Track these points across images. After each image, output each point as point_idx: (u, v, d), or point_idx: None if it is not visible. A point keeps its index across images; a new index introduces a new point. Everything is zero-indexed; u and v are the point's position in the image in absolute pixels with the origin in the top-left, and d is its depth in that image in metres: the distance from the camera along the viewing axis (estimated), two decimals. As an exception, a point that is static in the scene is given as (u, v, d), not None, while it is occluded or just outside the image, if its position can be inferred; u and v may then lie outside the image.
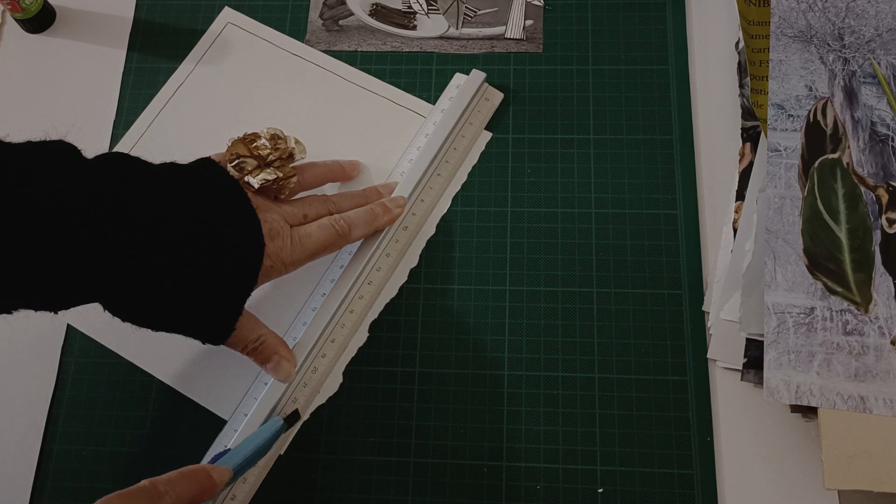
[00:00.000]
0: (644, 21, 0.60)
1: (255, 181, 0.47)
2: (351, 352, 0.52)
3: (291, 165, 0.50)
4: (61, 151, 0.40)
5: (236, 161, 0.47)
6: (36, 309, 0.41)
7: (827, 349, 0.45)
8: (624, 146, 0.56)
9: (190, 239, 0.41)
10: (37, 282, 0.39)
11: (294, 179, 0.49)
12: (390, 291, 0.54)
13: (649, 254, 0.54)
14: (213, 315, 0.44)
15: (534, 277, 0.53)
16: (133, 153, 0.57)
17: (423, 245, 0.55)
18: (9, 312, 0.40)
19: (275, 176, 0.48)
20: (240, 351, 0.47)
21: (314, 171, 0.52)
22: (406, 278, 0.54)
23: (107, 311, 0.43)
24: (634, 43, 0.59)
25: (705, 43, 0.59)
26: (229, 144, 0.48)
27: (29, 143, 0.40)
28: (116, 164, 0.42)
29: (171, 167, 0.44)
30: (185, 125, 0.59)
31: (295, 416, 0.49)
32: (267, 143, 0.49)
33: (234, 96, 0.60)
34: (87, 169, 0.40)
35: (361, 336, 0.53)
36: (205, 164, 0.46)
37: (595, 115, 0.58)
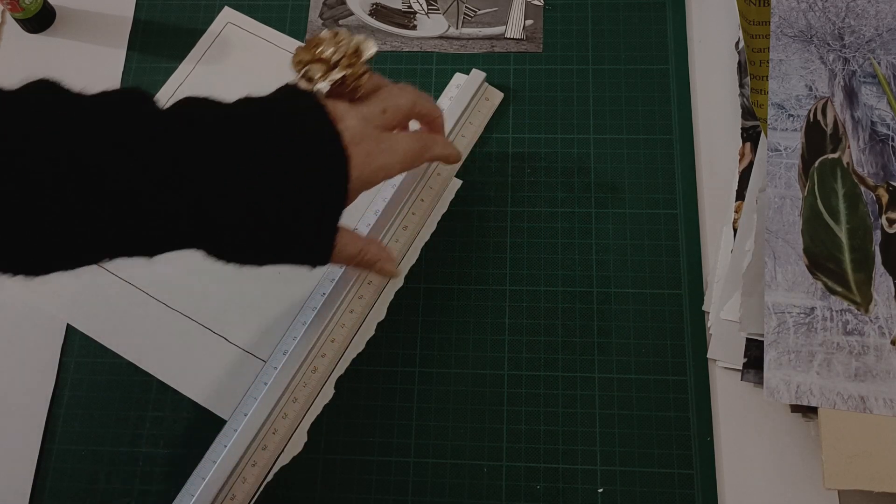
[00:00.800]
0: (644, 21, 0.60)
1: (323, 85, 0.45)
2: (345, 363, 0.52)
3: (362, 61, 0.46)
4: (140, 100, 0.40)
5: (303, 70, 0.45)
6: (131, 256, 0.40)
7: (827, 349, 0.45)
8: (624, 146, 0.56)
9: (275, 171, 0.41)
10: (132, 230, 0.38)
11: (366, 77, 0.46)
12: (388, 294, 0.54)
13: (649, 254, 0.53)
14: (313, 239, 0.43)
15: (534, 277, 0.53)
16: None
17: (421, 246, 0.55)
18: (104, 260, 0.40)
19: (342, 74, 0.45)
20: (345, 265, 0.47)
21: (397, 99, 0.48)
22: (402, 282, 0.54)
23: (210, 256, 0.42)
24: (634, 43, 0.59)
25: (705, 43, 0.59)
26: (293, 55, 0.46)
27: (105, 94, 0.39)
28: (193, 107, 0.41)
29: (247, 101, 0.43)
30: None
31: None
32: (329, 45, 0.46)
33: (234, 95, 0.59)
34: (166, 115, 0.40)
35: (357, 347, 0.53)
36: (282, 89, 0.45)
37: (595, 115, 0.58)
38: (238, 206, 0.40)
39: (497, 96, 0.58)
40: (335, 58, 0.45)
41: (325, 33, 0.46)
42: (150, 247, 0.40)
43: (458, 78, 0.58)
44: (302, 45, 0.47)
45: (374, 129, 0.45)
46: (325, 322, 0.51)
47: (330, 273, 0.53)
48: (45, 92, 0.38)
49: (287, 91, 0.44)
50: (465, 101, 0.56)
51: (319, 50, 0.46)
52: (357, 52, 0.46)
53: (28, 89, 0.38)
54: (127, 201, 0.37)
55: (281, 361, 0.50)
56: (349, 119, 0.44)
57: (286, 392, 0.49)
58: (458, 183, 0.56)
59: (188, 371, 0.52)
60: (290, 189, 0.41)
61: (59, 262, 0.39)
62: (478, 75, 0.57)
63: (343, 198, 0.43)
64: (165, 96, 0.60)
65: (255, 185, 0.40)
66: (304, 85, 0.45)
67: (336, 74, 0.45)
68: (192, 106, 0.41)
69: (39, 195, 0.35)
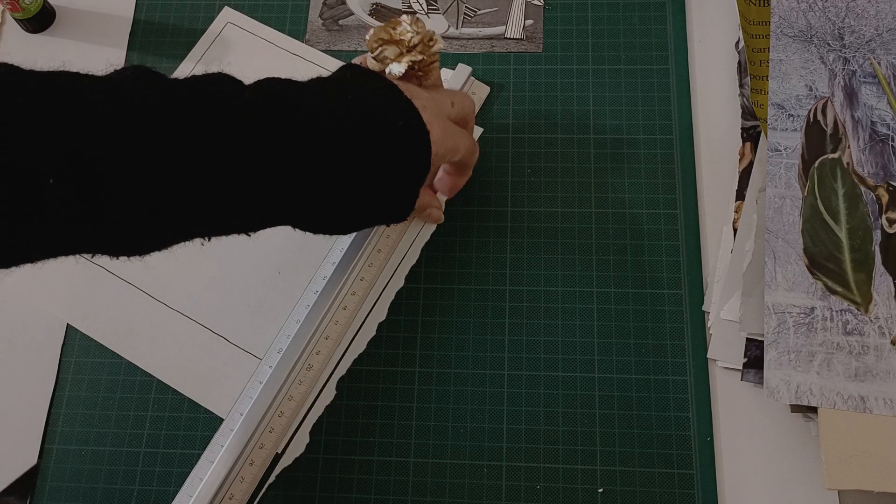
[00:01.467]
0: (644, 21, 0.60)
1: (399, 67, 0.46)
2: (344, 359, 0.52)
3: (434, 49, 0.48)
4: (227, 83, 0.41)
5: (378, 50, 0.46)
6: (228, 234, 0.42)
7: (827, 349, 0.45)
8: (624, 146, 0.56)
9: (367, 151, 0.42)
10: (229, 212, 0.40)
11: (436, 65, 0.48)
12: (389, 294, 0.54)
13: (649, 254, 0.53)
14: (401, 207, 0.46)
15: (534, 277, 0.53)
16: None
17: (421, 246, 0.55)
18: (207, 238, 0.41)
19: (420, 58, 0.46)
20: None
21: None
22: (403, 282, 0.54)
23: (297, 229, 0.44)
24: (634, 43, 0.59)
25: (705, 43, 0.59)
26: (370, 34, 0.47)
27: (195, 78, 0.41)
28: (274, 87, 0.42)
29: (318, 79, 0.44)
30: None
31: None
32: (409, 28, 0.47)
33: None
34: (252, 98, 0.40)
35: (358, 344, 0.53)
36: (351, 69, 0.46)
37: (595, 115, 0.58)
38: (337, 189, 0.42)
39: (483, 90, 0.58)
40: (413, 41, 0.46)
41: (405, 18, 0.47)
42: (252, 227, 0.42)
43: (445, 73, 0.58)
44: (381, 24, 0.48)
45: (444, 114, 0.47)
46: (319, 319, 0.51)
47: (322, 270, 0.53)
48: (143, 81, 0.40)
49: (357, 71, 0.45)
50: None
51: (400, 30, 0.47)
52: (432, 39, 0.47)
53: (126, 79, 0.40)
54: (234, 190, 0.39)
55: (276, 360, 0.50)
56: (423, 99, 0.45)
57: (281, 390, 0.49)
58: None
59: (187, 370, 0.52)
60: (381, 167, 0.43)
61: (170, 238, 0.40)
62: (463, 70, 0.57)
63: (427, 169, 0.45)
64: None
65: (352, 167, 0.42)
66: (373, 65, 0.46)
67: (415, 57, 0.46)
68: (278, 87, 0.42)
69: (160, 184, 0.37)
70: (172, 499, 0.48)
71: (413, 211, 0.47)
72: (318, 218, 0.44)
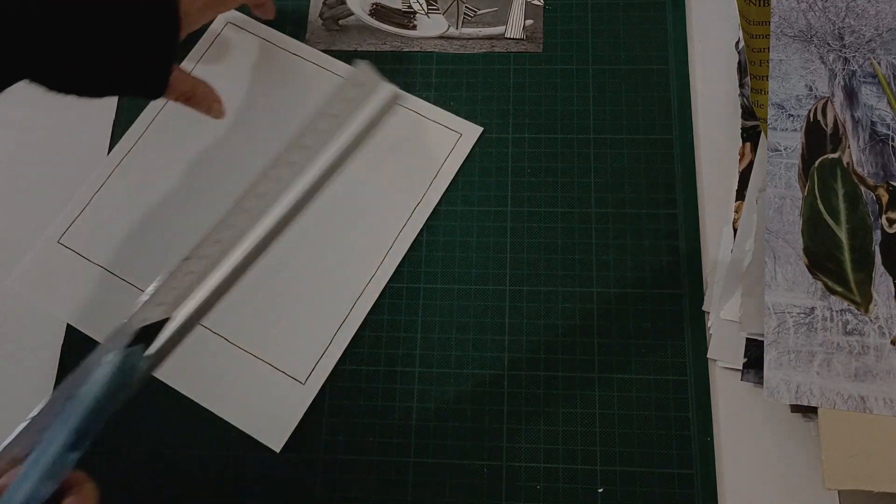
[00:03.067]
0: (644, 21, 0.60)
1: None
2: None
3: None
4: None
5: None
6: None
7: (827, 349, 0.45)
8: (624, 146, 0.56)
9: (111, 8, 0.43)
10: None
11: None
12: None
13: (650, 254, 0.53)
14: (148, 70, 0.46)
15: (534, 277, 0.53)
16: (132, 153, 0.58)
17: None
18: None
19: None
20: (174, 99, 0.50)
21: None
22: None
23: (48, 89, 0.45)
24: (634, 43, 0.59)
25: (705, 43, 0.59)
26: None
27: None
28: None
29: None
30: (185, 125, 0.59)
31: (152, 331, 0.35)
32: None
33: (234, 95, 0.60)
34: None
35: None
36: None
37: (595, 115, 0.58)
38: (79, 34, 0.42)
39: (373, 83, 0.55)
40: None
41: None
42: None
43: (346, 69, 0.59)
44: None
45: None
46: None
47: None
48: None
49: None
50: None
51: None
52: None
53: None
54: None
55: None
56: None
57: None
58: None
59: (188, 370, 0.52)
60: (125, 23, 0.44)
61: None
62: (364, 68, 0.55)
63: (175, 35, 0.46)
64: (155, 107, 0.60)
65: (94, 17, 0.43)
66: None
67: None
68: None
69: None
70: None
71: (173, 90, 0.47)
72: (58, 73, 0.44)
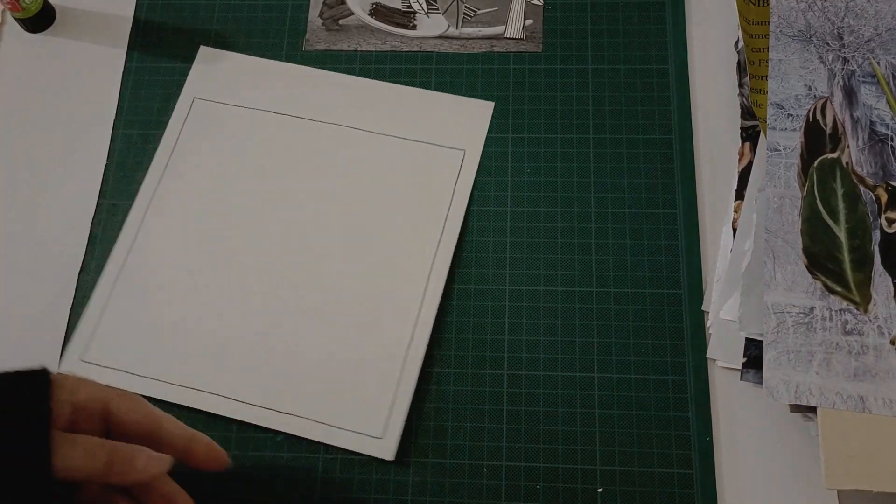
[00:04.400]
0: (644, 21, 0.60)
1: None
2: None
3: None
4: None
5: None
6: None
7: (826, 349, 0.45)
8: (624, 146, 0.56)
9: None
10: None
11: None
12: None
13: (649, 254, 0.54)
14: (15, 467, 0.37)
15: (534, 277, 0.53)
16: (135, 250, 0.55)
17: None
18: None
19: None
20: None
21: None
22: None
23: None
24: (634, 43, 0.59)
25: (705, 43, 0.59)
26: None
27: None
28: None
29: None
30: (186, 211, 0.56)
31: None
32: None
33: (220, 176, 0.57)
34: None
35: None
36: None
37: (595, 115, 0.58)
38: None
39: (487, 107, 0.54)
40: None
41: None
42: None
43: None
44: None
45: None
46: None
47: None
48: None
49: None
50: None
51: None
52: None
53: None
54: None
55: None
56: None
57: None
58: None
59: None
60: None
61: None
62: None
63: (44, 410, 0.38)
64: (149, 188, 0.57)
65: None
66: None
67: None
68: None
69: None
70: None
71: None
72: None
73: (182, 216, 0.56)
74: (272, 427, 0.50)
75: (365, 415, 0.50)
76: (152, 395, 0.51)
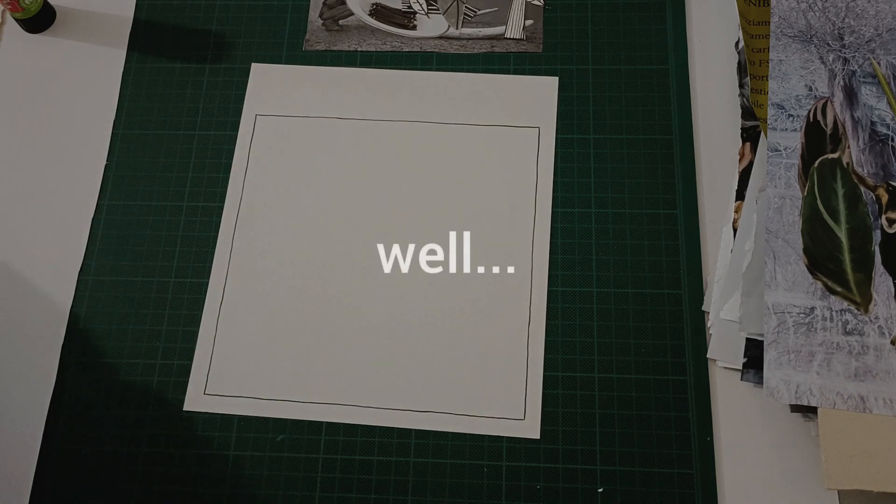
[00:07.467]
0: (644, 21, 0.60)
1: None
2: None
3: None
4: None
5: None
6: None
7: (827, 349, 0.45)
8: (624, 146, 0.56)
9: None
10: None
11: None
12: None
13: (649, 254, 0.54)
14: None
15: (534, 277, 0.54)
16: (230, 284, 0.54)
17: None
18: None
19: None
20: None
21: None
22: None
23: None
24: (634, 43, 0.59)
25: (705, 43, 0.59)
26: None
27: None
28: None
29: None
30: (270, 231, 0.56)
31: None
32: None
33: (293, 183, 0.57)
34: None
35: None
36: None
37: (595, 115, 0.58)
38: None
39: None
40: None
41: None
42: None
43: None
44: None
45: None
46: None
47: None
48: None
49: None
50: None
51: None
52: None
53: None
54: None
55: None
56: None
57: None
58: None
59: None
60: None
61: None
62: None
63: None
64: (230, 218, 0.56)
65: None
66: None
67: None
68: None
69: None
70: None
71: None
72: None
73: (270, 236, 0.55)
74: (412, 427, 0.50)
75: (505, 401, 0.50)
76: (296, 418, 0.51)
